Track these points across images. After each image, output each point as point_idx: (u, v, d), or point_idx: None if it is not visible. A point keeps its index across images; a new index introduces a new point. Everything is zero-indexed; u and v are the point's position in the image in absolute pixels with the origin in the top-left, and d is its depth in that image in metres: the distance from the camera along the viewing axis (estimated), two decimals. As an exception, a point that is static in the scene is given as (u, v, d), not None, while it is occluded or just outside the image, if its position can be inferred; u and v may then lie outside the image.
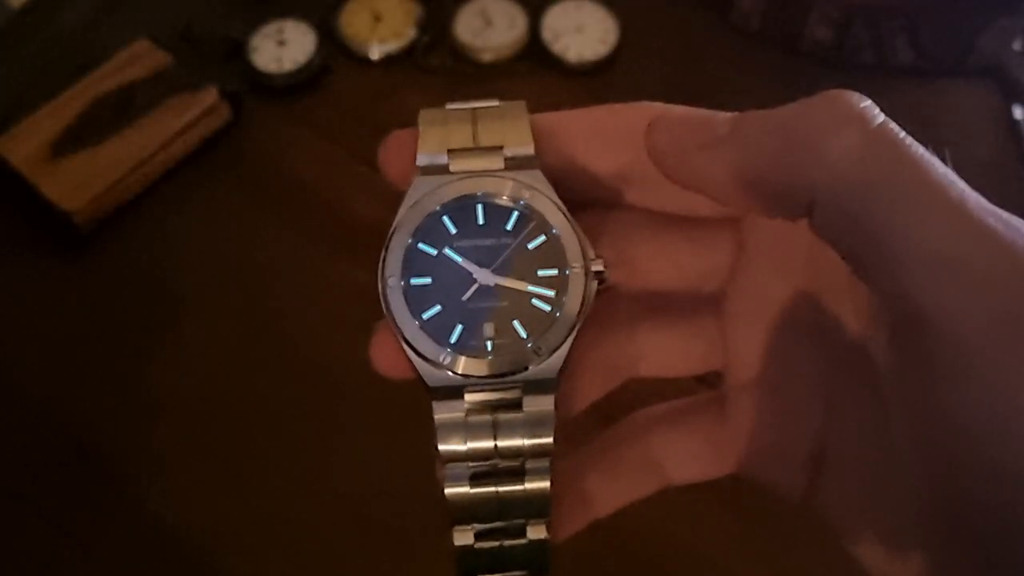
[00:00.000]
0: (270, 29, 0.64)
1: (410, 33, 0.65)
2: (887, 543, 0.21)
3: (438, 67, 0.64)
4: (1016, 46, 0.61)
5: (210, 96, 0.61)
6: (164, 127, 0.59)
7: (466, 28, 0.64)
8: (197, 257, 0.58)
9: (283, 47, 0.64)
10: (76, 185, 0.57)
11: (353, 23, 0.65)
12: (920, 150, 0.18)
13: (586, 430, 0.25)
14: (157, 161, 0.59)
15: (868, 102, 0.19)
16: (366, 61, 0.65)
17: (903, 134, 0.19)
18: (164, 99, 0.60)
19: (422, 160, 0.23)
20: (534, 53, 0.64)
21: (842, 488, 0.23)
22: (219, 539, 0.49)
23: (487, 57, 0.64)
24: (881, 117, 0.19)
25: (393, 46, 0.64)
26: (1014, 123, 0.60)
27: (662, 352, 0.25)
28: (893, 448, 0.20)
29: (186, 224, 0.59)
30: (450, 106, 0.24)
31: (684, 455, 0.25)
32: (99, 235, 0.58)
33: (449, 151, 0.23)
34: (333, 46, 0.65)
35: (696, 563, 0.47)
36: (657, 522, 0.47)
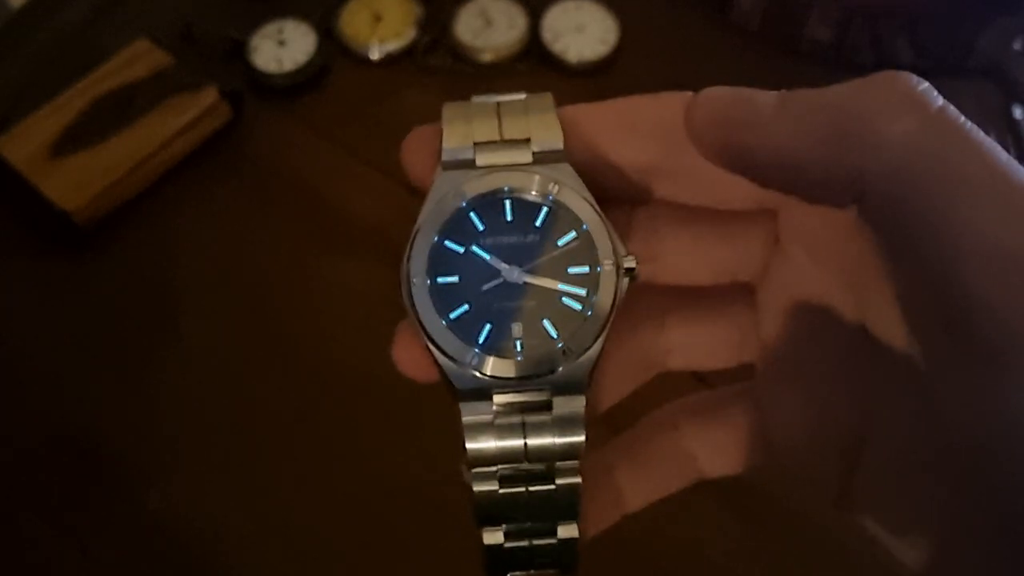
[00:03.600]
0: (270, 29, 0.64)
1: (410, 33, 0.65)
2: (923, 539, 0.20)
3: (438, 67, 0.64)
4: (1016, 46, 0.61)
5: (210, 96, 0.61)
6: (164, 127, 0.59)
7: (466, 28, 0.64)
8: (197, 257, 0.58)
9: (283, 47, 0.64)
10: (76, 185, 0.57)
11: (353, 23, 0.65)
12: (982, 136, 0.18)
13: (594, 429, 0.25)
14: (157, 161, 0.59)
15: (927, 85, 0.18)
16: (366, 61, 0.65)
17: (963, 119, 0.18)
18: (164, 99, 0.60)
19: (447, 155, 0.22)
20: (534, 53, 0.64)
21: (877, 484, 0.22)
22: (219, 539, 0.49)
23: (487, 57, 0.64)
24: (940, 101, 0.18)
25: (393, 46, 0.64)
26: (1014, 123, 0.60)
27: (693, 345, 0.25)
28: (933, 444, 0.19)
29: (186, 224, 0.59)
30: (475, 99, 0.23)
31: (716, 448, 0.25)
32: (99, 235, 0.58)
33: (475, 144, 0.22)
34: (333, 46, 0.65)
35: (696, 563, 0.47)
36: (657, 522, 0.47)
